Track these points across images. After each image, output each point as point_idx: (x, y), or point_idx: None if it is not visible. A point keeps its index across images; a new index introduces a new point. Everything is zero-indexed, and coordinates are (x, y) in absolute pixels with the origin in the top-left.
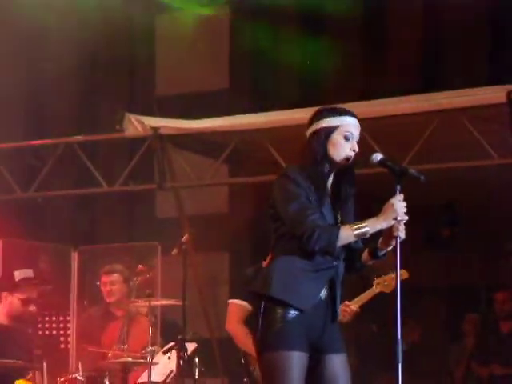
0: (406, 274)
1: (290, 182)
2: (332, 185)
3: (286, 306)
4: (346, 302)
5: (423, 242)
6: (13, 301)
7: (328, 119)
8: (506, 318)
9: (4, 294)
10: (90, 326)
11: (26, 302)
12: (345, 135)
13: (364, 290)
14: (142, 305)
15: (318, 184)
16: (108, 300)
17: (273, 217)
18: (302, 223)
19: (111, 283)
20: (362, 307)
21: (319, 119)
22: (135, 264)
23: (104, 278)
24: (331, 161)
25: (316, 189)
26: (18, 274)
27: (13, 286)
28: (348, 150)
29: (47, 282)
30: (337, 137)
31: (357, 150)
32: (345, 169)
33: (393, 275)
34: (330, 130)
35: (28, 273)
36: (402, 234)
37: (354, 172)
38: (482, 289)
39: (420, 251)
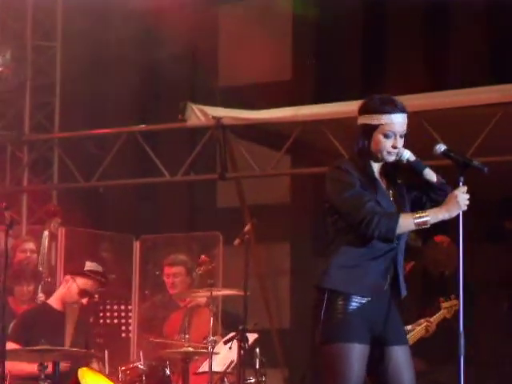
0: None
1: (343, 173)
2: (385, 176)
3: (348, 297)
4: (431, 320)
5: (486, 234)
6: (71, 287)
7: (370, 116)
8: None
9: (67, 277)
10: (153, 315)
11: (82, 293)
12: (385, 134)
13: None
14: (203, 295)
15: (366, 175)
16: (171, 292)
17: (329, 210)
18: (360, 209)
19: (174, 275)
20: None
21: (363, 113)
22: (197, 254)
23: (167, 270)
24: (374, 156)
25: (366, 179)
26: (89, 265)
27: (79, 273)
28: (388, 147)
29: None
30: (378, 135)
31: (398, 146)
32: (395, 162)
33: (456, 301)
34: (372, 128)
35: (98, 267)
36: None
37: (405, 165)
38: None
39: (482, 244)
